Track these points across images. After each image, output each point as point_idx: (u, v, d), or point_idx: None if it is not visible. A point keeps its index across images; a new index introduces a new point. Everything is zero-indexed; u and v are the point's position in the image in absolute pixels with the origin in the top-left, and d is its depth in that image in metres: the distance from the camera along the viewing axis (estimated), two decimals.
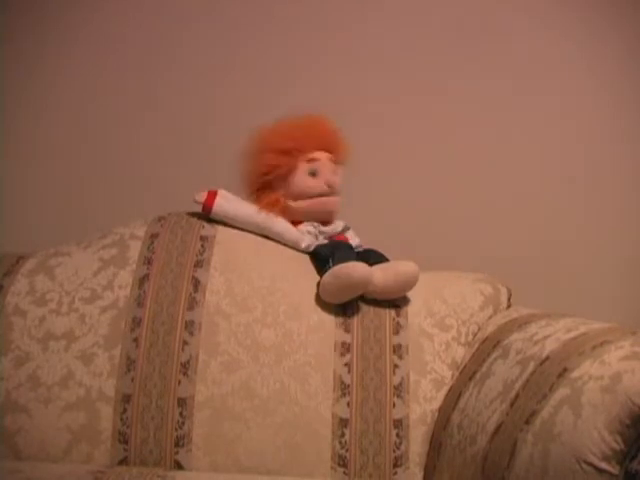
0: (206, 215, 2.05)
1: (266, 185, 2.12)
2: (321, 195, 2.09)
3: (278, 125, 2.14)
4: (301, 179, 2.10)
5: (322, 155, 2.11)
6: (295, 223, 2.11)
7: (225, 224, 2.04)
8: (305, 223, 2.11)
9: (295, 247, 2.06)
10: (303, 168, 2.10)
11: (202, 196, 2.04)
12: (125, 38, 2.74)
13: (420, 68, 2.73)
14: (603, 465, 1.24)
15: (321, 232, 2.09)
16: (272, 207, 2.10)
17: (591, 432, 1.26)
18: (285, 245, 2.07)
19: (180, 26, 2.74)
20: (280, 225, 2.07)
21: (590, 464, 1.24)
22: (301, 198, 2.10)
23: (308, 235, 2.08)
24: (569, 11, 2.72)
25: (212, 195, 2.04)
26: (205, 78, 2.74)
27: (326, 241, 2.08)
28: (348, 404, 1.80)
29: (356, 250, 2.03)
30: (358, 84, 2.72)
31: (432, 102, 2.74)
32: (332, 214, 2.13)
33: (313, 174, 2.10)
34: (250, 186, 2.14)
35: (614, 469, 1.24)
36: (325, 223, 2.12)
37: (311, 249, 2.06)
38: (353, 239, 2.11)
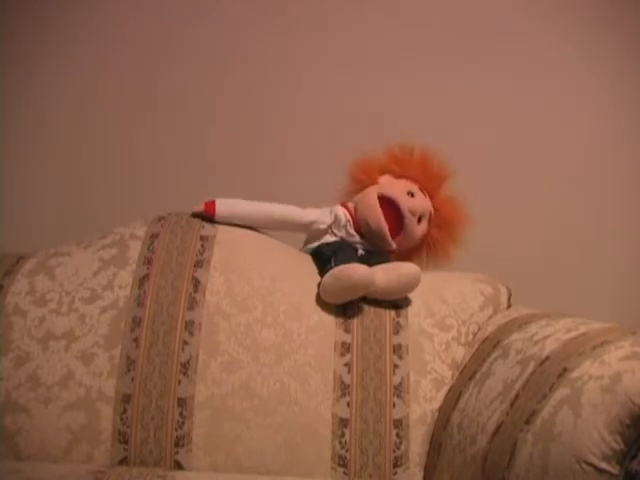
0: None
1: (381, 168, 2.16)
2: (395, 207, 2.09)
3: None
4: (400, 185, 2.11)
5: (428, 201, 2.13)
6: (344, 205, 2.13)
7: (226, 224, 2.06)
8: (342, 207, 2.11)
9: (300, 223, 2.07)
10: (410, 185, 2.11)
11: (200, 208, 2.05)
12: (125, 38, 2.75)
13: (420, 69, 2.75)
14: (603, 465, 1.24)
15: (347, 230, 2.09)
16: (367, 170, 2.15)
17: (591, 432, 1.26)
18: (292, 229, 2.09)
19: (180, 26, 2.75)
20: (281, 208, 2.08)
21: (590, 464, 1.25)
22: (384, 192, 2.10)
23: (323, 214, 2.09)
24: (569, 12, 2.73)
25: (210, 205, 2.04)
26: (205, 78, 2.75)
27: (333, 239, 2.09)
28: (348, 404, 1.80)
29: (359, 253, 2.04)
30: (358, 84, 2.73)
31: (432, 102, 2.75)
32: (370, 229, 2.08)
33: (411, 194, 2.10)
34: (374, 158, 2.17)
35: (614, 469, 1.25)
36: (361, 235, 2.11)
37: (315, 227, 2.07)
38: None
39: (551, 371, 1.44)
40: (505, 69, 2.74)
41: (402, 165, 2.14)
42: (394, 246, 2.09)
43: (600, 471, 1.24)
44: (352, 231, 2.08)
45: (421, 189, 2.11)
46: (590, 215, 2.76)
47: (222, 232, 2.03)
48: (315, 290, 1.95)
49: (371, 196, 2.08)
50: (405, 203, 2.07)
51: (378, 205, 2.06)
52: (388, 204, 2.08)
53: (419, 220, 2.09)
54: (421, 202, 2.10)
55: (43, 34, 2.72)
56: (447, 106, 2.74)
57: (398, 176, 2.13)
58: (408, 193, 2.08)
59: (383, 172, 2.15)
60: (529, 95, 2.74)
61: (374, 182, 2.12)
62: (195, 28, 2.73)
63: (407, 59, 2.74)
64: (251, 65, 2.74)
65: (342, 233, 2.08)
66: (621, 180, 2.75)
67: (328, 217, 2.09)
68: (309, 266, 2.04)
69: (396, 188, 2.09)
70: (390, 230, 2.06)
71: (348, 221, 2.09)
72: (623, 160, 2.74)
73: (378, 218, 2.05)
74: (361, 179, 2.15)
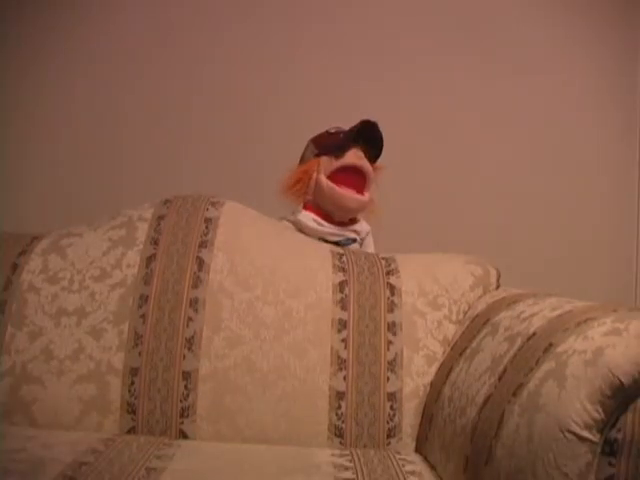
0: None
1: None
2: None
3: None
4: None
5: None
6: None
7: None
8: (305, 211, 2.25)
9: None
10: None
11: None
12: (134, 32, 2.80)
13: (421, 62, 2.81)
14: (585, 433, 1.26)
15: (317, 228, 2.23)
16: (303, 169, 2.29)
17: (574, 403, 1.27)
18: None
19: (183, 23, 2.80)
20: None
21: (573, 432, 1.26)
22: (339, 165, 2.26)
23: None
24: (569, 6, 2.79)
25: None
26: (211, 71, 2.81)
27: None
28: (344, 378, 1.85)
29: None
30: (357, 75, 2.78)
31: (432, 101, 2.82)
32: (344, 207, 2.28)
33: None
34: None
35: (595, 437, 1.26)
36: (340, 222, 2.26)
37: None
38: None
39: (537, 346, 1.45)
40: (505, 69, 2.81)
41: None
42: (367, 199, 2.28)
43: (582, 439, 1.26)
44: (326, 224, 2.23)
45: None
46: (574, 203, 2.84)
47: (226, 214, 2.07)
48: (314, 269, 2.00)
49: (324, 183, 2.24)
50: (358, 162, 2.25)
51: (336, 187, 2.23)
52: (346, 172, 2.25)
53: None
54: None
55: (57, 17, 2.77)
56: (446, 103, 2.81)
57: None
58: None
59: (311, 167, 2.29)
60: (527, 93, 2.81)
61: (313, 171, 2.27)
62: (198, 25, 2.80)
63: (409, 51, 2.81)
64: (255, 59, 2.80)
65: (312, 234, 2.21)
66: (610, 172, 2.83)
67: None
68: (309, 248, 2.09)
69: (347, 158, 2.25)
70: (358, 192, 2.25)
71: (315, 220, 2.23)
72: (609, 153, 2.82)
73: (345, 196, 2.24)
74: (300, 177, 2.29)
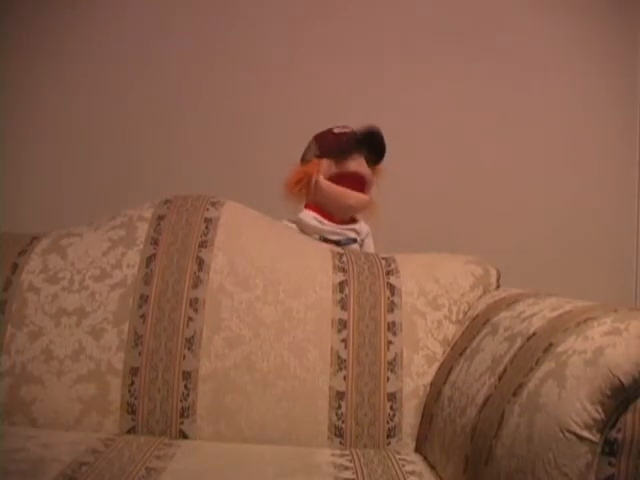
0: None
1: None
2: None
3: None
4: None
5: None
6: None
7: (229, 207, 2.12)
8: (307, 210, 2.25)
9: None
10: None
11: None
12: (134, 32, 2.81)
13: (422, 62, 2.82)
14: (585, 433, 1.26)
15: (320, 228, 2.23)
16: (303, 169, 2.29)
17: (574, 403, 1.27)
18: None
19: (184, 24, 2.80)
20: None
21: (573, 432, 1.26)
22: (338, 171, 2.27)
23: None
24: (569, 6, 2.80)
25: None
26: (211, 71, 2.81)
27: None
28: (344, 378, 1.85)
29: None
30: (357, 75, 2.79)
31: (432, 101, 2.82)
32: (346, 206, 2.29)
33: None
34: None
35: (595, 437, 1.26)
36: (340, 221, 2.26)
37: None
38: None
39: (537, 346, 1.45)
40: (509, 74, 2.82)
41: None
42: (367, 197, 2.28)
43: (582, 439, 1.26)
44: (328, 222, 2.23)
45: None
46: (574, 203, 2.85)
47: (226, 215, 2.07)
48: (313, 269, 2.00)
49: (324, 184, 2.25)
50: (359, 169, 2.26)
51: (336, 186, 2.24)
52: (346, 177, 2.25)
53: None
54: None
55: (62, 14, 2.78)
56: (446, 103, 2.82)
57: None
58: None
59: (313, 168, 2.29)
60: (522, 89, 2.82)
61: (313, 172, 2.27)
62: (196, 23, 2.81)
63: (416, 49, 2.82)
64: (258, 57, 2.81)
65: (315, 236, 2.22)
66: (608, 173, 2.84)
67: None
68: (309, 248, 2.10)
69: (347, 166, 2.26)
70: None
71: (316, 218, 2.24)
72: (609, 153, 2.83)
73: (345, 193, 2.24)
74: (301, 177, 2.29)
